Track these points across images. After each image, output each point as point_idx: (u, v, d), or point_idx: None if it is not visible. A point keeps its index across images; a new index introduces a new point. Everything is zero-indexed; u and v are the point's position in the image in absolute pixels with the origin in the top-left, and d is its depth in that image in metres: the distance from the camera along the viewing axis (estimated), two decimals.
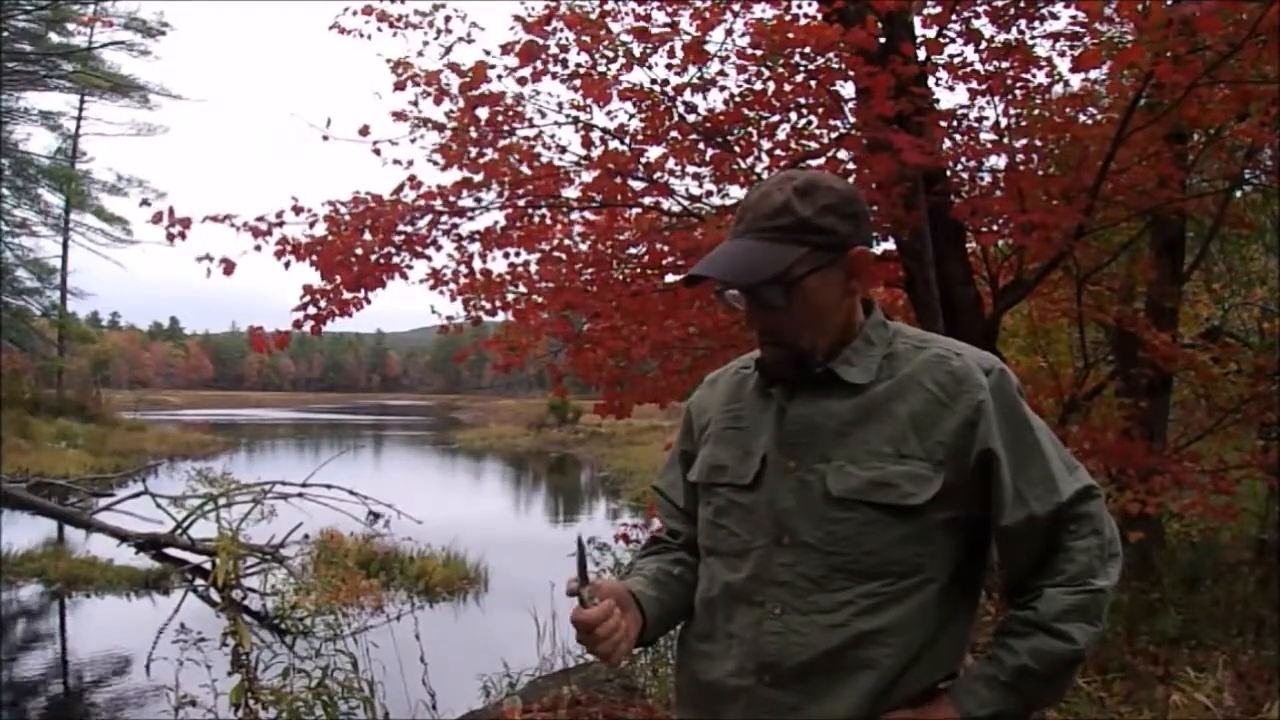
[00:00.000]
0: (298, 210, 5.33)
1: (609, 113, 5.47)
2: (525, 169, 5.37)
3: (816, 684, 1.37)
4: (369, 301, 5.35)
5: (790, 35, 4.62)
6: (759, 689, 1.40)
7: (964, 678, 1.40)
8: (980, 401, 1.38)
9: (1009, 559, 1.43)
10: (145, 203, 5.19)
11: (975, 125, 5.59)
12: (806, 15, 5.19)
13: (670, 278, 5.62)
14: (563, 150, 5.54)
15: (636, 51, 5.14)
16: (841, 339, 1.46)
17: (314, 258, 5.18)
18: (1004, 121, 5.38)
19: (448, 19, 5.55)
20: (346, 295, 5.25)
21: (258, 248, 5.28)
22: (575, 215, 5.93)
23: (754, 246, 1.41)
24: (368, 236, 5.22)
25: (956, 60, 5.42)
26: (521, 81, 5.32)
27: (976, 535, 1.43)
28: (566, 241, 5.91)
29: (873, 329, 1.48)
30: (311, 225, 5.29)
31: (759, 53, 4.97)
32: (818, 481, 1.40)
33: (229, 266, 5.15)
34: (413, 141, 5.56)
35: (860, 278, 1.45)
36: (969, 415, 1.38)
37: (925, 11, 5.20)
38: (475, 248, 5.61)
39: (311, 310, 5.27)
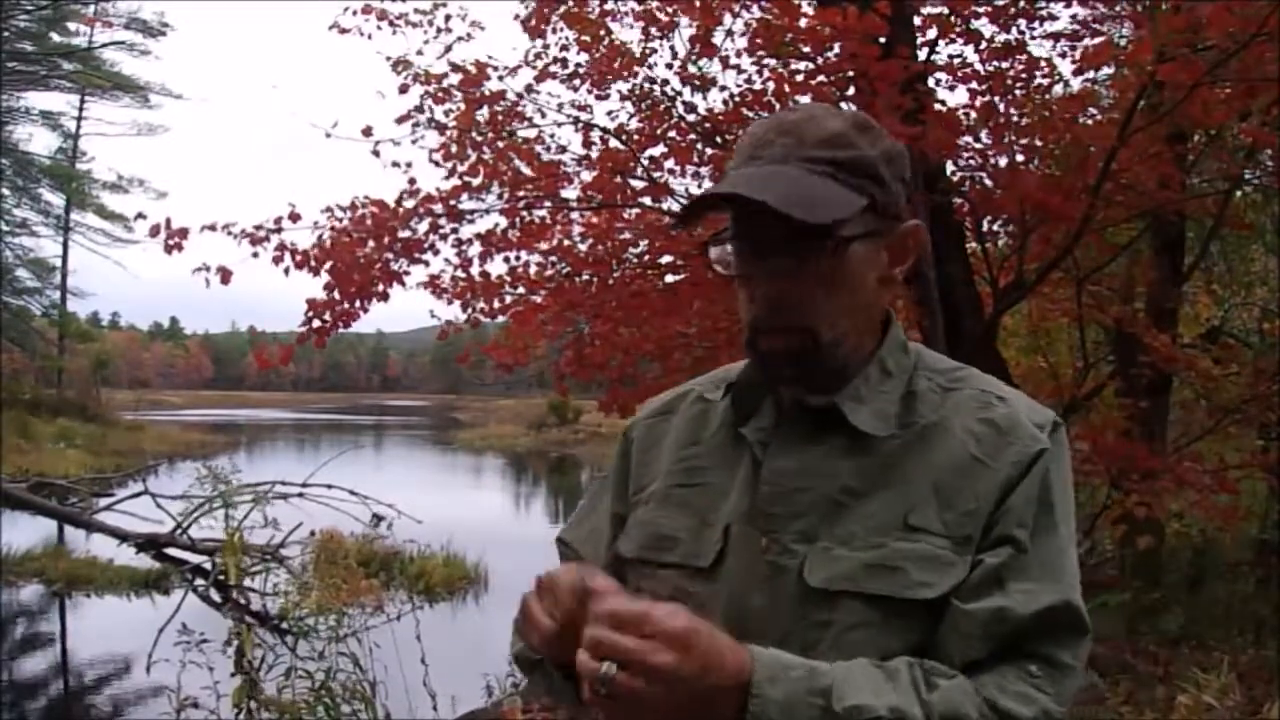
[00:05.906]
0: (295, 217, 5.35)
1: (609, 113, 5.48)
2: (525, 169, 5.38)
3: None
4: (366, 310, 5.37)
5: (801, 24, 4.60)
6: None
7: (778, 657, 0.89)
8: (1035, 454, 0.97)
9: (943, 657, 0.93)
10: (141, 216, 5.20)
11: (974, 125, 5.59)
12: (807, 16, 5.19)
13: (670, 277, 5.62)
14: (563, 150, 5.56)
15: (637, 52, 5.15)
16: (853, 357, 1.02)
17: (319, 265, 5.19)
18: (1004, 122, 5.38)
19: (448, 18, 5.58)
20: (347, 306, 5.28)
21: (255, 255, 5.30)
22: (575, 215, 5.94)
23: (803, 177, 0.97)
24: (370, 244, 5.25)
25: (956, 60, 5.43)
26: (527, 89, 5.35)
27: None
28: (566, 242, 5.92)
29: (891, 353, 1.04)
30: (316, 235, 5.30)
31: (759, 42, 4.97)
32: (795, 567, 0.97)
33: (225, 275, 5.16)
34: (414, 142, 5.58)
35: (903, 265, 1.05)
36: (1012, 475, 0.96)
37: (925, 11, 5.20)
38: (475, 250, 5.62)
39: (316, 324, 5.30)
